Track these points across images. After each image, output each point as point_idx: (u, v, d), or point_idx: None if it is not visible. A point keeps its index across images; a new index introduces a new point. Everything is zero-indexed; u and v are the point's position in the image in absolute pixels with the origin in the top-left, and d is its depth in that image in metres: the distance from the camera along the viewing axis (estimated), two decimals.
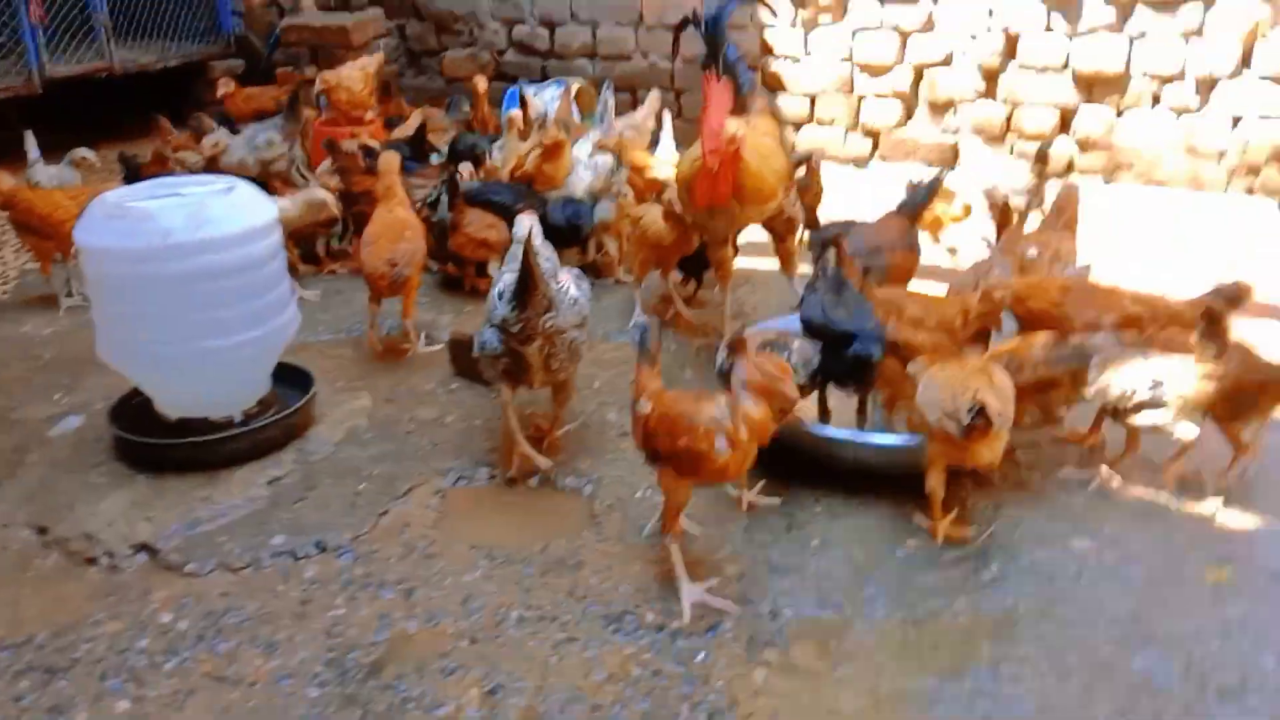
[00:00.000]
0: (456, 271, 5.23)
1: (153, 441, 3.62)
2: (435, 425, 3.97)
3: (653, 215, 4.56)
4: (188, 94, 8.24)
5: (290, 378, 3.96)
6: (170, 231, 3.33)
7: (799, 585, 3.03)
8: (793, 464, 3.49)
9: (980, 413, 2.93)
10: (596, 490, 3.54)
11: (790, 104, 7.50)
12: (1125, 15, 6.40)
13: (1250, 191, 6.39)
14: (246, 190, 3.61)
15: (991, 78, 6.86)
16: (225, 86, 7.35)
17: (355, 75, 6.75)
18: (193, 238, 3.33)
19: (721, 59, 4.32)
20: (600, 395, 4.19)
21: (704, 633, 2.85)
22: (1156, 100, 6.48)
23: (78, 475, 3.63)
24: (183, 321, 3.45)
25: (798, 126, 7.49)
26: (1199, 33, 6.24)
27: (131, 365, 3.63)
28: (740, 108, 4.32)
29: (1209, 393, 3.21)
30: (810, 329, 3.56)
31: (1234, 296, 3.48)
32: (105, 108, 7.82)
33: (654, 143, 5.91)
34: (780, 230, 4.76)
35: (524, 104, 6.46)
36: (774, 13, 7.00)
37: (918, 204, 4.51)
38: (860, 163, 7.39)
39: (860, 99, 7.31)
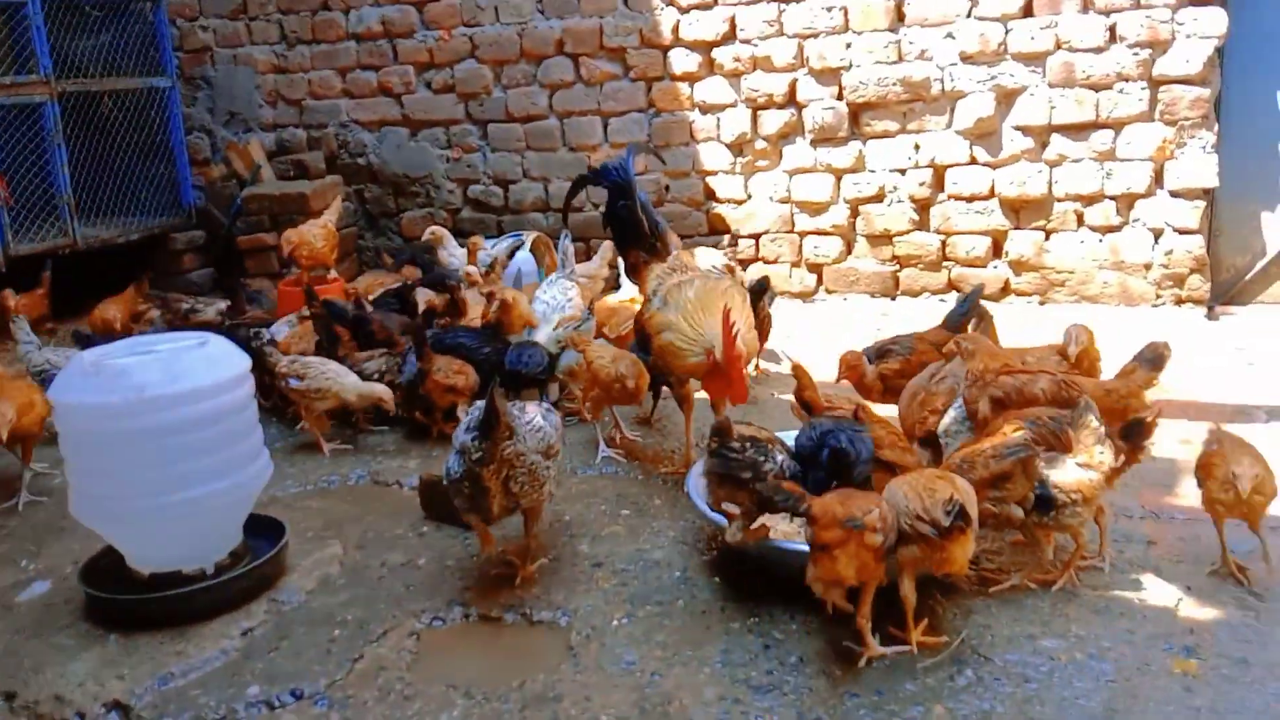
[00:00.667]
0: (424, 419, 5.31)
1: (123, 598, 3.60)
2: (408, 568, 3.98)
3: (602, 357, 4.72)
4: (150, 265, 8.40)
5: (261, 529, 3.98)
6: (145, 386, 3.40)
7: (779, 703, 3.05)
8: (767, 581, 3.55)
9: (961, 513, 3.03)
10: (572, 621, 3.56)
11: (737, 246, 7.83)
12: (1043, 143, 6.83)
13: (1179, 302, 6.71)
14: (219, 344, 3.71)
15: (924, 209, 7.23)
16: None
17: (317, 232, 6.98)
18: (167, 391, 3.41)
19: (637, 202, 4.79)
20: (571, 528, 4.24)
21: None
22: (1080, 220, 6.86)
23: (46, 639, 3.58)
24: (158, 474, 3.48)
25: (745, 265, 7.78)
26: (1113, 155, 6.66)
27: (106, 521, 3.64)
28: (658, 249, 4.82)
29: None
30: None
31: (1156, 360, 3.85)
32: (70, 281, 7.95)
33: (613, 288, 6.19)
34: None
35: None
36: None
37: (960, 317, 4.88)
38: (806, 296, 7.68)
39: (802, 236, 7.64)
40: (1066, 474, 3.41)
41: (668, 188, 7.92)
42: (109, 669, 3.36)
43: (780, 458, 3.60)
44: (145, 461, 3.47)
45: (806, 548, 3.51)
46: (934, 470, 3.35)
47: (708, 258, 6.58)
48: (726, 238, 7.75)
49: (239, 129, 9.09)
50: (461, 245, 7.15)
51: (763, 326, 5.59)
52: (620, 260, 5.30)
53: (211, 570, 3.72)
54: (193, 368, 3.51)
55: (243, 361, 3.72)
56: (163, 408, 3.42)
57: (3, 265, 7.36)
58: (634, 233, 4.96)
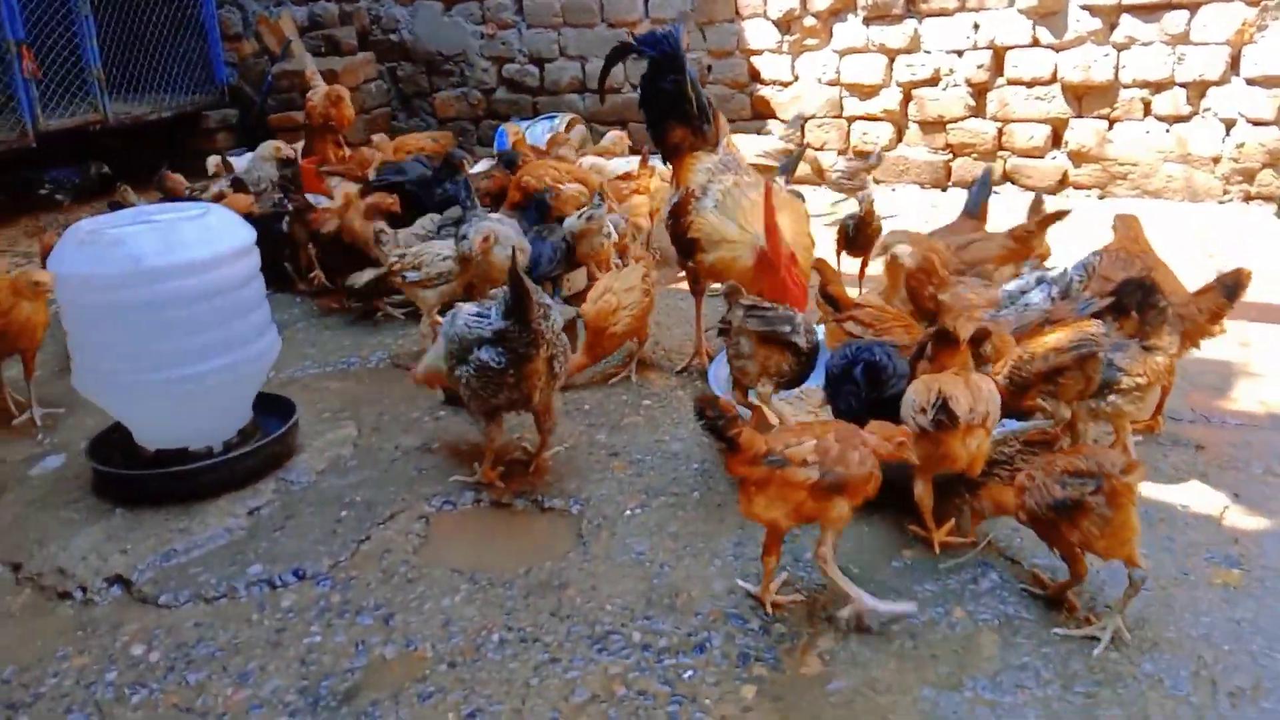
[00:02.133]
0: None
1: (128, 473, 3.55)
2: (421, 452, 3.89)
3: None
4: (183, 146, 8.28)
5: (273, 408, 3.90)
6: (140, 256, 3.28)
7: (790, 599, 2.93)
8: None
9: (944, 407, 2.86)
10: (584, 510, 3.45)
11: (780, 130, 7.48)
12: (1111, 24, 6.38)
13: (1248, 199, 6.32)
14: (220, 214, 3.57)
15: (980, 94, 6.84)
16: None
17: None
18: (163, 262, 3.28)
19: (686, 76, 4.32)
20: (590, 417, 4.12)
21: (692, 650, 2.74)
22: (1147, 109, 6.44)
23: (53, 512, 3.56)
24: (156, 348, 3.39)
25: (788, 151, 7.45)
26: (1186, 38, 6.20)
27: (106, 395, 3.56)
28: (705, 133, 4.38)
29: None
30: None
31: (1235, 287, 3.45)
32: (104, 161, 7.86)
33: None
34: None
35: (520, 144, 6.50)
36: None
37: (979, 203, 4.62)
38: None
39: (851, 121, 7.29)
40: (1132, 357, 3.19)
41: (710, 68, 7.57)
42: (112, 544, 3.32)
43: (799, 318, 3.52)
44: (142, 335, 3.36)
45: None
46: (953, 371, 3.11)
47: (759, 144, 6.20)
48: (782, 122, 7.30)
49: (270, 3, 8.84)
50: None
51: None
52: (654, 141, 4.68)
53: (219, 448, 3.65)
54: (191, 239, 3.37)
55: (246, 234, 3.57)
56: (159, 279, 3.30)
57: (33, 140, 7.27)
58: (680, 111, 4.39)
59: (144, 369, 3.39)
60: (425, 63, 8.47)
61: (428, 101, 8.54)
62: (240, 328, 3.54)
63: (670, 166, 4.57)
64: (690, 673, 2.66)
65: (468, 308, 3.46)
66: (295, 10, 8.73)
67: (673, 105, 4.40)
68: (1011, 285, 3.71)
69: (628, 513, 3.41)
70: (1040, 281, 3.62)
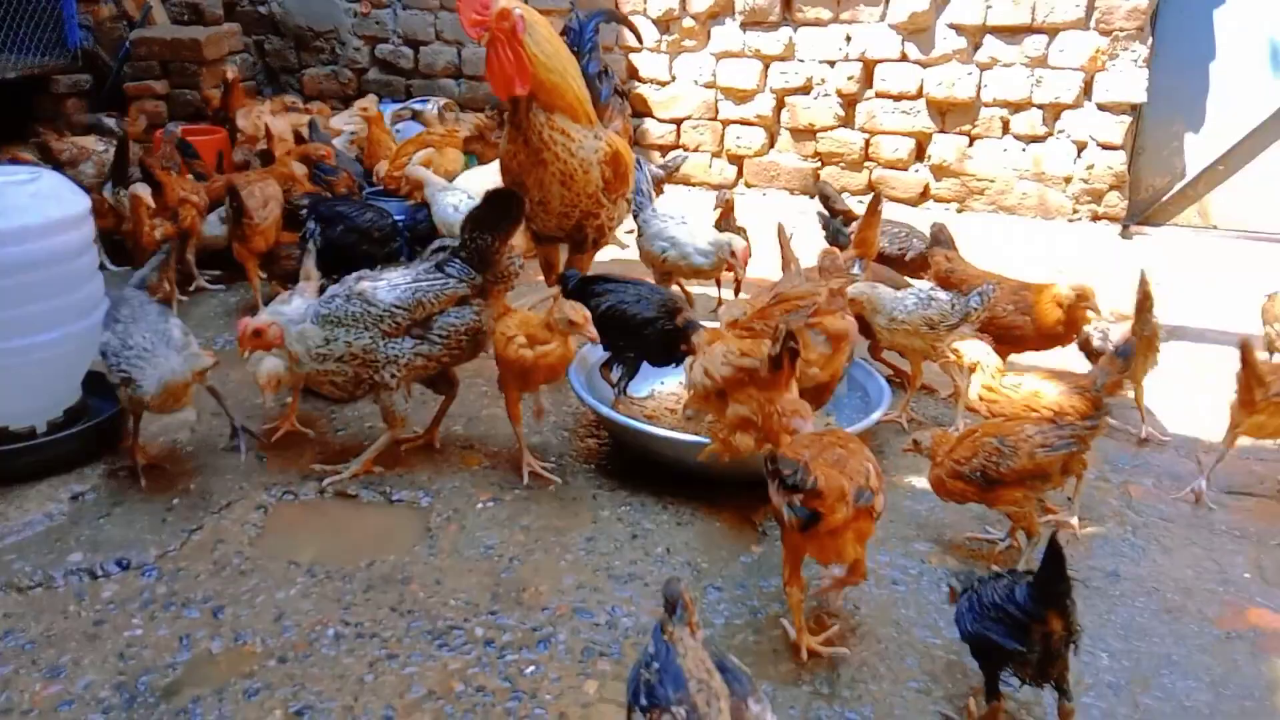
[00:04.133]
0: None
1: None
2: (263, 440, 3.73)
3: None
4: (29, 110, 7.78)
5: (104, 389, 3.67)
6: None
7: (640, 594, 2.91)
8: (641, 471, 3.39)
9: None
10: (434, 503, 3.37)
11: (656, 129, 7.50)
12: (976, 44, 6.59)
13: (1095, 218, 6.61)
14: (51, 180, 3.35)
15: (850, 105, 6.98)
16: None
17: None
18: None
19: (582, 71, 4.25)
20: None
21: (536, 645, 2.70)
22: (1006, 128, 6.68)
23: None
24: None
25: (664, 151, 7.48)
26: (1044, 62, 6.46)
27: None
28: (600, 120, 4.24)
29: None
30: None
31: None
32: None
33: None
34: (593, 236, 4.22)
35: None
36: (638, 36, 6.92)
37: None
38: (726, 188, 7.41)
39: (725, 125, 7.35)
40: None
41: None
42: None
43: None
44: None
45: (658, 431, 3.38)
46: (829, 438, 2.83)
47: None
48: (670, 154, 7.20)
49: None
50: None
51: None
52: None
53: (43, 429, 3.42)
54: (18, 204, 3.16)
55: (79, 201, 3.36)
56: None
57: None
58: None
59: None
60: (295, 38, 8.17)
61: (295, 78, 8.25)
62: (72, 300, 3.33)
63: None
64: (532, 668, 2.61)
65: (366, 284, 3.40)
66: None
67: None
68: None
69: (479, 506, 3.35)
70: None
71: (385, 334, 3.31)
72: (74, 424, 3.47)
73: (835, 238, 4.77)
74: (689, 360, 3.32)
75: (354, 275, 3.46)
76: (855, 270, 4.06)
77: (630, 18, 7.23)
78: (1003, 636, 2.29)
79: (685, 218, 4.79)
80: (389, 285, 3.35)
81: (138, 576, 2.94)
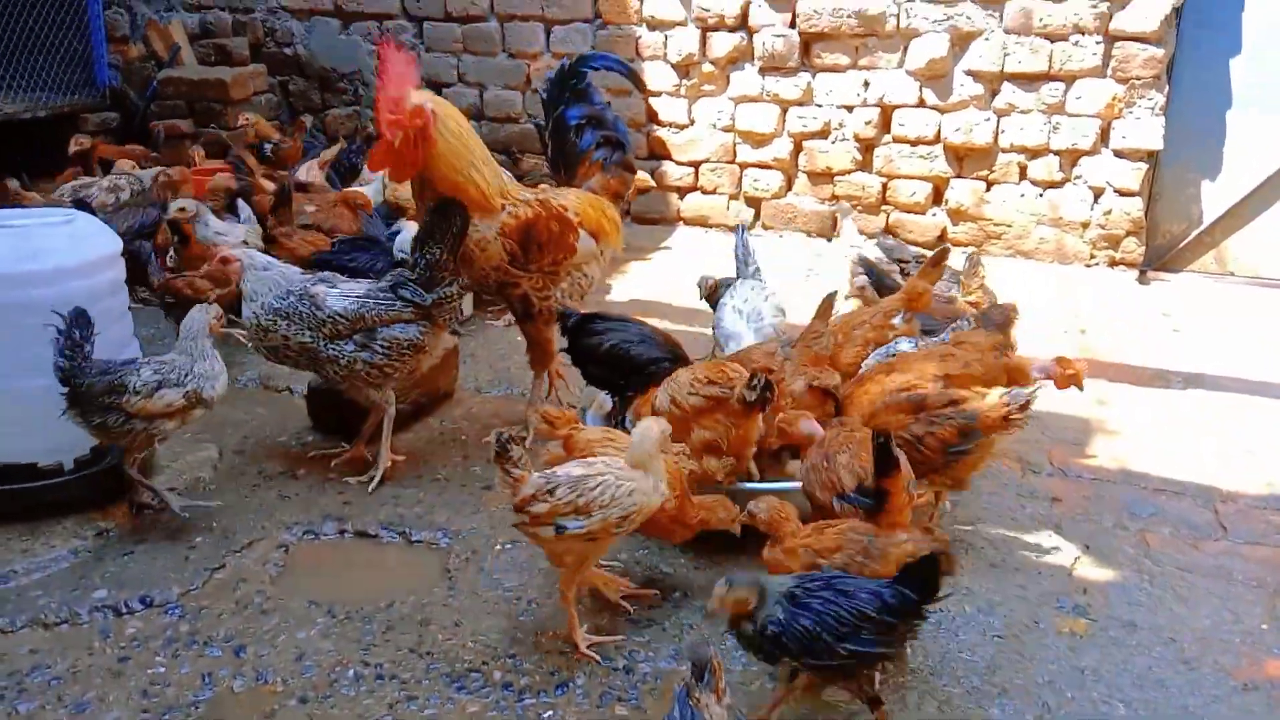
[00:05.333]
0: None
1: None
2: (284, 478, 3.77)
3: None
4: (60, 148, 7.92)
5: None
6: None
7: (656, 638, 2.92)
8: None
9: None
10: (453, 544, 3.39)
11: (675, 171, 7.58)
12: (993, 90, 6.66)
13: (1112, 264, 6.64)
14: (85, 222, 3.42)
15: (868, 149, 7.05)
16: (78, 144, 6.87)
17: None
18: (15, 269, 3.12)
19: (553, 120, 4.19)
20: (466, 449, 4.06)
21: (554, 690, 2.71)
22: (1023, 173, 6.72)
23: None
24: (8, 356, 3.23)
25: (682, 193, 7.55)
26: (1061, 109, 6.51)
27: None
28: (578, 172, 4.19)
29: None
30: None
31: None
32: None
33: None
34: (520, 307, 3.98)
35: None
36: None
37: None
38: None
39: (743, 168, 7.42)
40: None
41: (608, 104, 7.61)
42: None
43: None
44: None
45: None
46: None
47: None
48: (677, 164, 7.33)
49: (161, 7, 8.57)
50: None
51: None
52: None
53: (70, 465, 3.47)
54: (53, 245, 3.23)
55: (111, 243, 3.43)
56: (16, 286, 3.14)
57: None
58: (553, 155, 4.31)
59: None
60: (319, 79, 8.31)
61: (319, 117, 8.38)
62: (102, 340, 3.37)
63: None
64: (550, 713, 2.63)
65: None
66: (187, 17, 8.49)
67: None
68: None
69: (498, 547, 3.37)
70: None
71: (326, 336, 3.54)
72: (100, 461, 3.51)
73: (879, 287, 4.69)
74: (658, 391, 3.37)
75: (315, 277, 3.67)
76: (898, 322, 3.93)
77: (649, 62, 7.36)
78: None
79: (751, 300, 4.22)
80: (340, 294, 3.60)
81: (161, 614, 2.97)
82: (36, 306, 3.19)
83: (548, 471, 2.80)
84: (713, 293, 4.53)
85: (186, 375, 3.27)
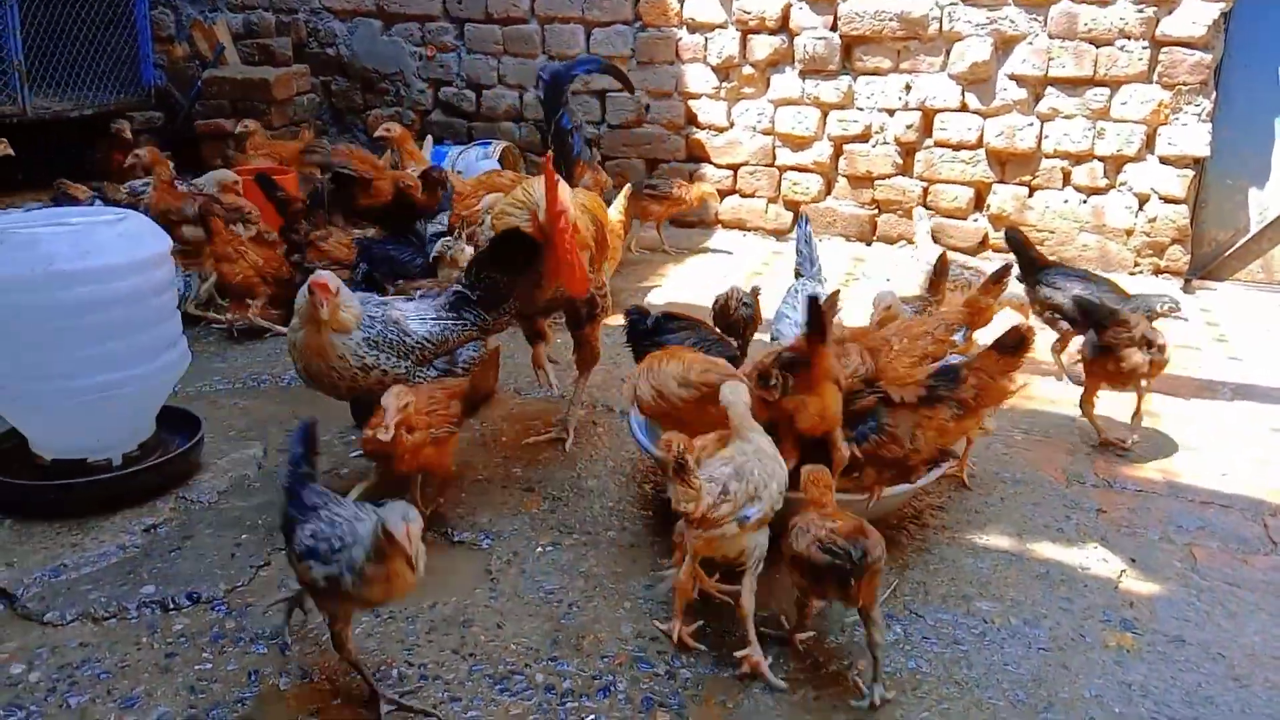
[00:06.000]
0: None
1: (19, 483, 3.40)
2: (329, 476, 3.79)
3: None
4: (103, 144, 8.02)
5: (177, 423, 3.78)
6: (52, 258, 3.17)
7: (699, 644, 2.92)
8: None
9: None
10: (494, 545, 3.40)
11: (713, 174, 7.57)
12: (1037, 95, 6.60)
13: (1157, 272, 6.56)
14: (138, 221, 3.46)
15: (909, 153, 7.01)
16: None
17: None
18: (76, 266, 3.17)
19: (554, 125, 4.18)
20: (506, 450, 4.07)
21: (596, 694, 2.71)
22: (1067, 179, 6.66)
23: None
24: (63, 355, 3.28)
25: (722, 196, 7.54)
26: (1106, 114, 6.45)
27: (6, 401, 3.42)
28: (574, 173, 4.23)
29: None
30: None
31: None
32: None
33: None
34: (586, 310, 4.03)
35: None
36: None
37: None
38: (781, 234, 7.46)
39: (782, 171, 7.40)
40: None
41: (648, 107, 7.63)
42: None
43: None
44: (49, 340, 3.24)
45: None
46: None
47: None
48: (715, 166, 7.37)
49: (206, 7, 8.67)
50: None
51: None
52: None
53: (118, 461, 3.52)
54: (107, 244, 3.27)
55: (162, 241, 3.48)
56: (71, 283, 3.19)
57: None
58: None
59: (47, 375, 3.27)
60: (361, 79, 8.39)
61: (360, 117, 8.45)
62: (151, 338, 3.44)
63: None
64: (592, 717, 2.63)
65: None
66: (231, 17, 8.59)
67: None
68: None
69: (539, 550, 3.38)
70: None
71: (415, 363, 3.48)
72: (148, 457, 3.56)
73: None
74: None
75: (374, 299, 3.56)
76: (958, 339, 3.86)
77: (689, 65, 7.35)
78: None
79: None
80: (417, 318, 3.49)
81: (208, 610, 3.00)
82: (88, 304, 3.25)
83: (701, 475, 2.79)
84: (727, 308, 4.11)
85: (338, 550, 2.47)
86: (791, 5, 7.04)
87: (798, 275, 4.36)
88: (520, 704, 2.66)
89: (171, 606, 3.01)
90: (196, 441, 3.68)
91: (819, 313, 3.09)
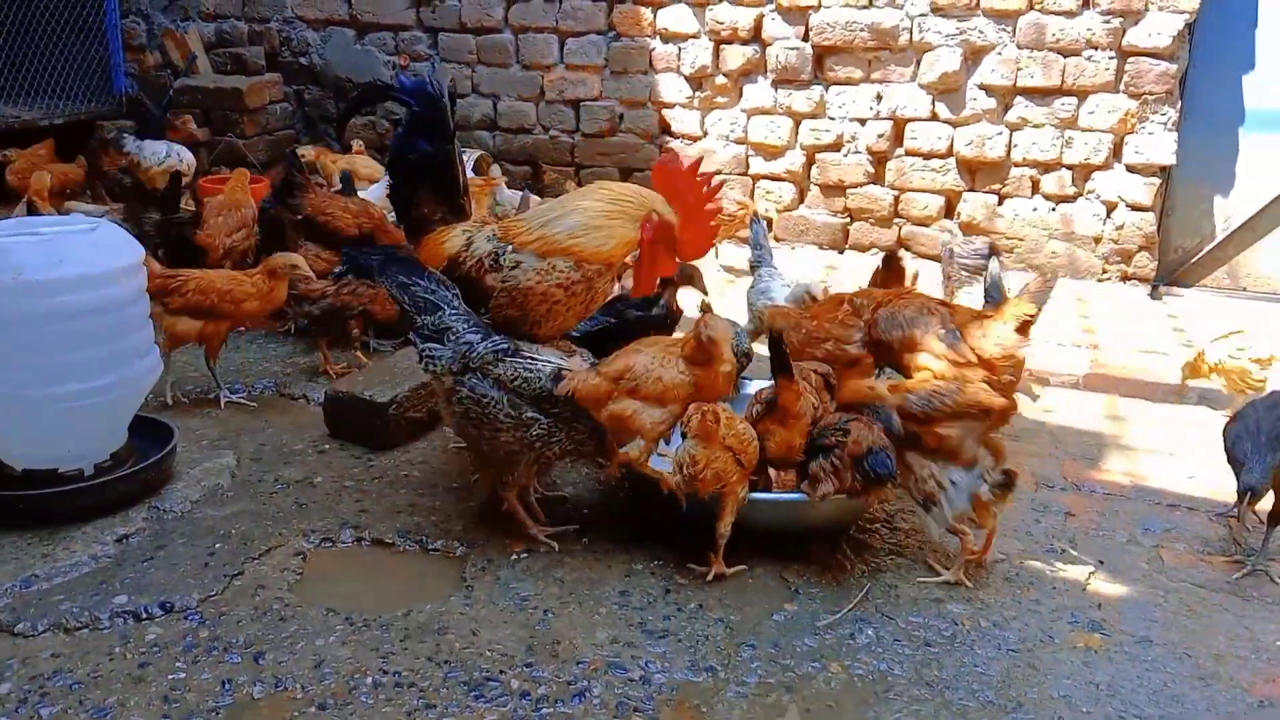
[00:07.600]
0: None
1: None
2: (302, 486, 3.80)
3: None
4: (73, 156, 7.97)
5: (150, 432, 3.77)
6: (22, 268, 3.15)
7: (672, 649, 2.93)
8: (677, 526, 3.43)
9: None
10: (469, 552, 3.41)
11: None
12: (1006, 105, 6.68)
13: (1125, 278, 6.65)
14: (110, 231, 3.45)
15: (880, 162, 7.07)
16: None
17: None
18: (47, 276, 3.16)
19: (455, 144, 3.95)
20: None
21: (571, 699, 2.72)
22: (1036, 187, 6.74)
23: None
24: (34, 364, 3.26)
25: None
26: (1074, 123, 6.54)
27: None
28: (463, 209, 3.88)
29: None
30: None
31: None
32: None
33: None
34: None
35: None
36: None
37: None
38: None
39: (755, 180, 7.45)
40: None
41: (621, 116, 7.66)
42: None
43: None
44: (20, 350, 3.22)
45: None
46: None
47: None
48: None
49: (177, 16, 8.63)
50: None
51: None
52: (397, 209, 3.95)
53: (90, 471, 3.50)
54: (78, 253, 3.26)
55: (134, 251, 3.47)
56: (41, 293, 3.18)
57: None
58: (441, 181, 3.81)
59: (17, 385, 3.25)
60: (334, 88, 8.37)
61: (334, 126, 8.43)
62: (123, 347, 3.42)
63: (413, 239, 3.85)
64: None
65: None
66: (204, 26, 8.55)
67: (434, 173, 3.81)
68: None
69: (514, 556, 3.39)
70: None
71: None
72: (120, 467, 3.55)
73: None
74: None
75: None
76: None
77: (663, 74, 7.40)
78: None
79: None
80: None
81: (181, 620, 2.99)
82: (59, 314, 3.23)
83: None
84: None
85: None
86: (764, 16, 7.09)
87: (753, 269, 5.06)
88: (496, 710, 2.67)
89: (144, 616, 3.00)
90: (169, 451, 3.66)
91: (783, 354, 3.32)
